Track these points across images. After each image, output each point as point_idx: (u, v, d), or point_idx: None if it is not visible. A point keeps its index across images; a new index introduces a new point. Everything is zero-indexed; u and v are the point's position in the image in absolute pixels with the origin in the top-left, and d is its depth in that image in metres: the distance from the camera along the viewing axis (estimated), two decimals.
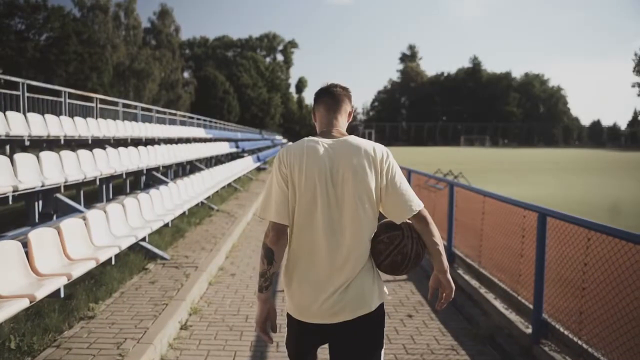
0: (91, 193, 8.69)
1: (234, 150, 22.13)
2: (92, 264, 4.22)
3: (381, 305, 2.10)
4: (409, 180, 9.53)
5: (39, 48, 35.99)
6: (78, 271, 3.96)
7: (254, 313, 4.77)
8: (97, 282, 5.03)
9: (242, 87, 75.40)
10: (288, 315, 2.14)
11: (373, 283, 2.06)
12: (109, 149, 8.09)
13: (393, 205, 2.06)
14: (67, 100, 9.20)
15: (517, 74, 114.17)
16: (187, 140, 16.06)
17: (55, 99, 9.17)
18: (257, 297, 2.14)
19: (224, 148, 20.00)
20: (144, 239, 6.17)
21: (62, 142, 7.81)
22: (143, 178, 10.20)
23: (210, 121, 25.55)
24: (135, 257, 6.02)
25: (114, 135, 9.77)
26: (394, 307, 5.16)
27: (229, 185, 14.28)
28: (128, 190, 9.35)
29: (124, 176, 8.09)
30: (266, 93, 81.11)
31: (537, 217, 4.09)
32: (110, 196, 8.36)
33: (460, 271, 6.27)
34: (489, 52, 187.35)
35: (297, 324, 2.09)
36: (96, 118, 10.13)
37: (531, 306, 4.30)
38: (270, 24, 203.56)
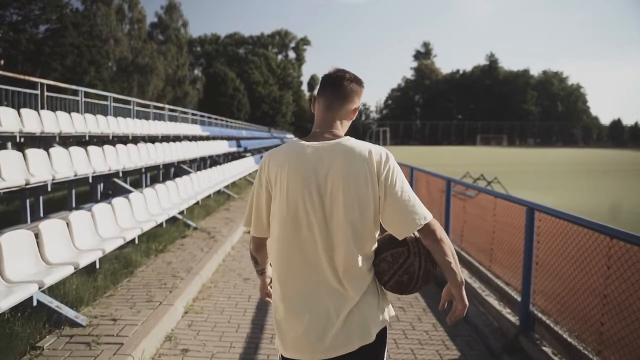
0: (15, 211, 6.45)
1: (235, 149, 19.86)
2: None
3: (383, 329, 1.77)
4: (447, 191, 7.27)
5: (33, 40, 33.93)
6: None
7: None
8: None
9: (253, 84, 73.65)
10: (280, 357, 1.81)
11: (378, 308, 1.74)
12: (30, 150, 5.79)
13: (393, 218, 1.71)
14: None
15: (535, 71, 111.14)
16: (177, 139, 13.78)
17: None
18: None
19: (223, 147, 17.74)
20: (30, 300, 3.82)
21: None
22: (100, 187, 7.94)
23: (209, 117, 23.25)
24: (26, 325, 3.71)
25: (60, 131, 7.50)
26: None
27: (219, 192, 11.97)
28: (74, 205, 7.09)
29: (49, 188, 5.77)
30: (277, 91, 79.50)
31: None
32: (41, 214, 6.11)
33: (546, 349, 3.89)
34: (506, 50, 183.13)
35: None
36: (37, 109, 7.84)
37: None
38: (283, 22, 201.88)
